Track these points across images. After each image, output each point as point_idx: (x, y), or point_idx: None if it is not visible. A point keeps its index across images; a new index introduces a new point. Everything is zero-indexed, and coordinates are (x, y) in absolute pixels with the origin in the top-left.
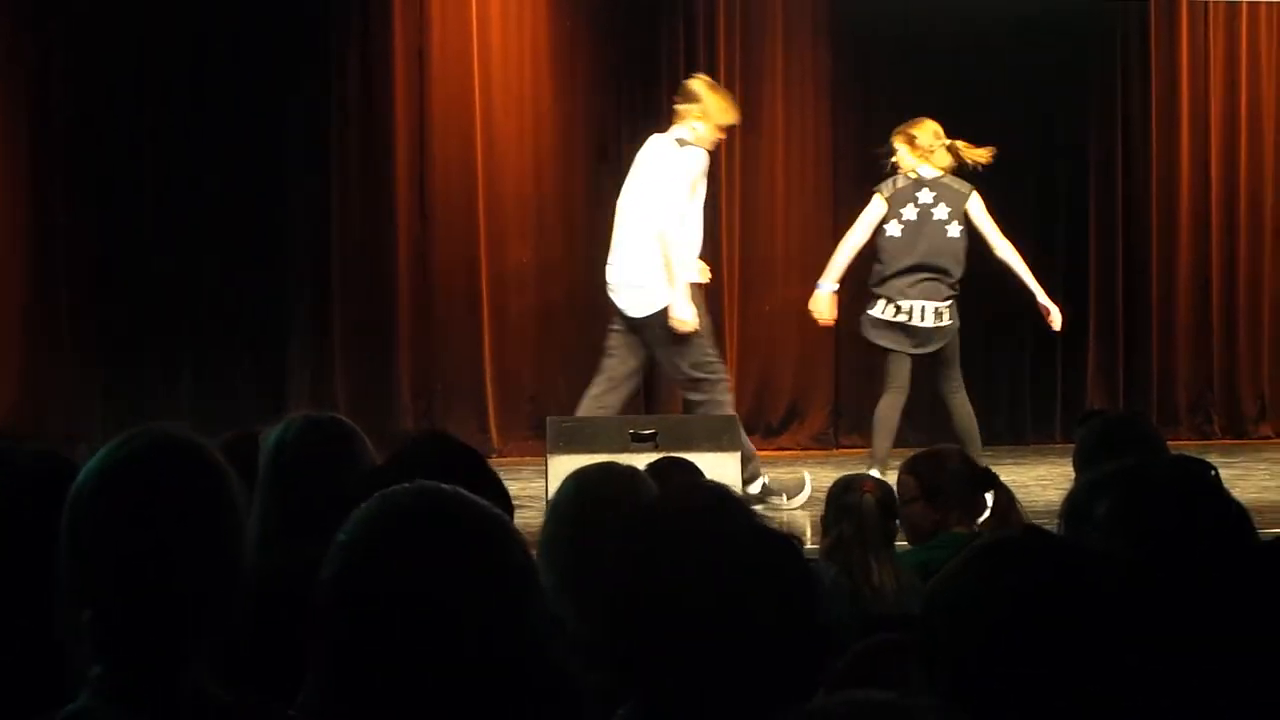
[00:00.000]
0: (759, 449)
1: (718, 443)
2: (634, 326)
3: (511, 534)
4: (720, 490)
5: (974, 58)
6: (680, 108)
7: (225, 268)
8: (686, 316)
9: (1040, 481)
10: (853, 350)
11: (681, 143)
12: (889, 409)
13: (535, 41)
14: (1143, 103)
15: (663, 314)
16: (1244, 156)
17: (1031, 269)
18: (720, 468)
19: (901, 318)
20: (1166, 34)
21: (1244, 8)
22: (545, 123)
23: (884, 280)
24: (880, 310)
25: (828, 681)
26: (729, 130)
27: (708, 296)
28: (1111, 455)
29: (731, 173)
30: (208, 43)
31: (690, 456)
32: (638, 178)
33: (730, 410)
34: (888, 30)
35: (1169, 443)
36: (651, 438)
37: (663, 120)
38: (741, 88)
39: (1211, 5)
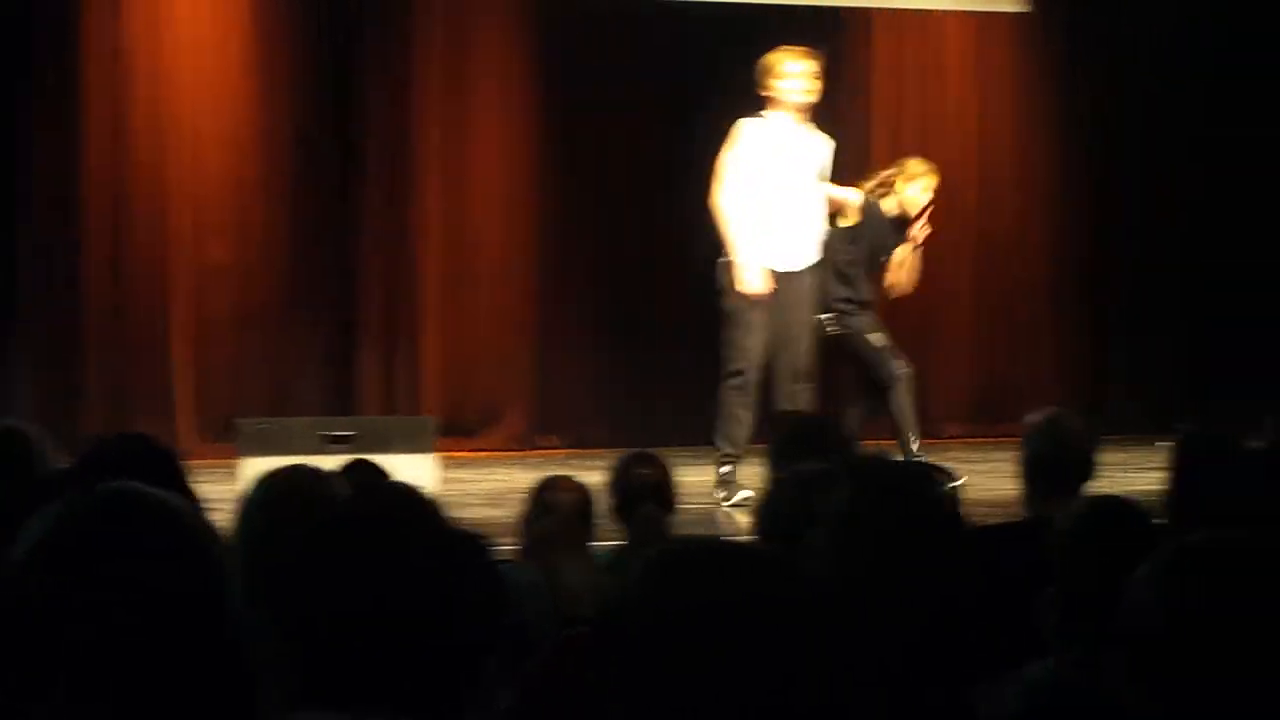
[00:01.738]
0: (458, 450)
1: (413, 444)
2: None
3: (203, 528)
4: (406, 492)
5: (681, 54)
6: None
7: None
8: (746, 280)
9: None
10: (552, 352)
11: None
12: None
13: (235, 35)
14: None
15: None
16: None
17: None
18: (415, 469)
19: None
20: (863, 42)
21: (933, 17)
22: (246, 121)
23: None
24: None
25: (521, 678)
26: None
27: (404, 294)
28: (803, 455)
29: (435, 171)
30: None
31: (386, 458)
32: None
33: (740, 422)
34: (592, 25)
35: (863, 442)
36: (346, 439)
37: (367, 111)
38: (445, 82)
39: (902, 14)
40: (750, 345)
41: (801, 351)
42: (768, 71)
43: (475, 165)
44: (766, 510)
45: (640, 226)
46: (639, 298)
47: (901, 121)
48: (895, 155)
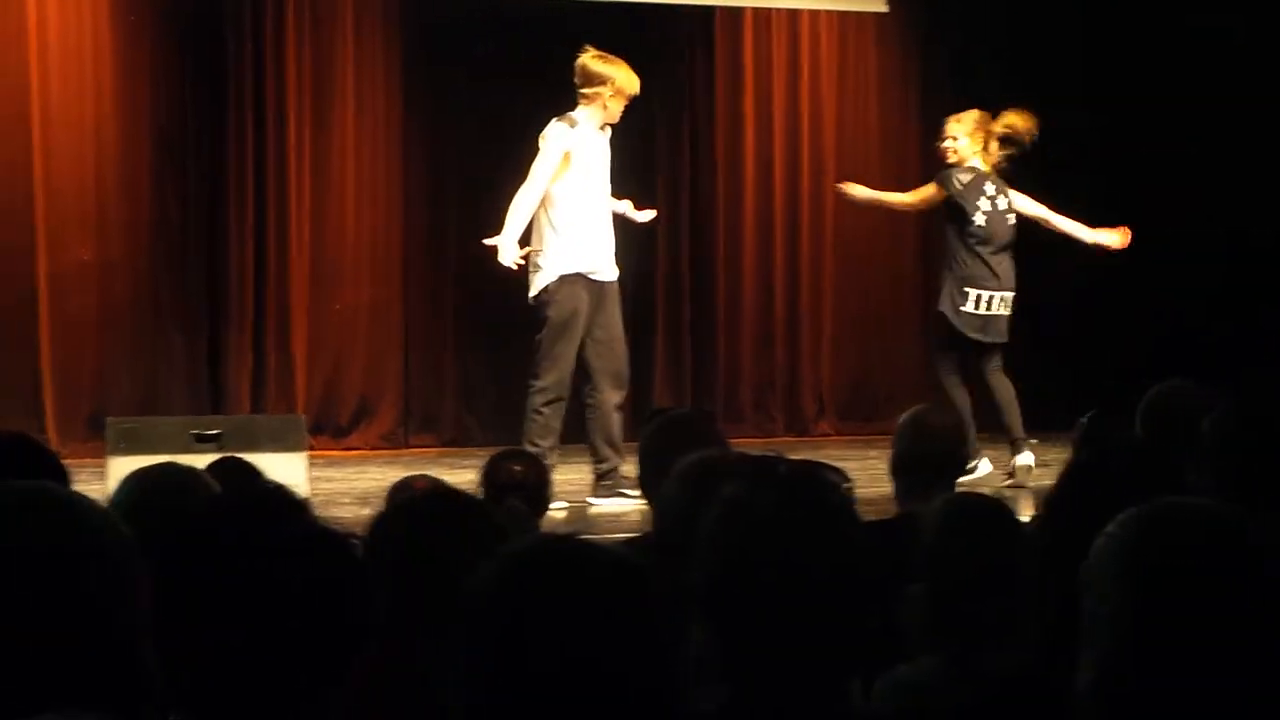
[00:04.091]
0: (329, 449)
1: (283, 443)
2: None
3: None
4: (275, 491)
5: (547, 57)
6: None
7: None
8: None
9: None
10: (422, 350)
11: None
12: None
13: (97, 34)
14: (708, 107)
15: (541, 294)
16: (806, 160)
17: None
18: (285, 468)
19: (982, 308)
20: (730, 40)
21: (805, 15)
22: (108, 117)
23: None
24: (972, 304)
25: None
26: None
27: (271, 293)
28: (676, 452)
29: (301, 171)
30: None
31: (256, 457)
32: None
33: (546, 427)
34: (458, 28)
35: (733, 440)
36: (215, 438)
37: (230, 108)
38: (311, 85)
39: (774, 13)
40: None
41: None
42: (603, 80)
43: (341, 161)
44: (662, 506)
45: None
46: (509, 294)
47: (773, 118)
48: (766, 151)
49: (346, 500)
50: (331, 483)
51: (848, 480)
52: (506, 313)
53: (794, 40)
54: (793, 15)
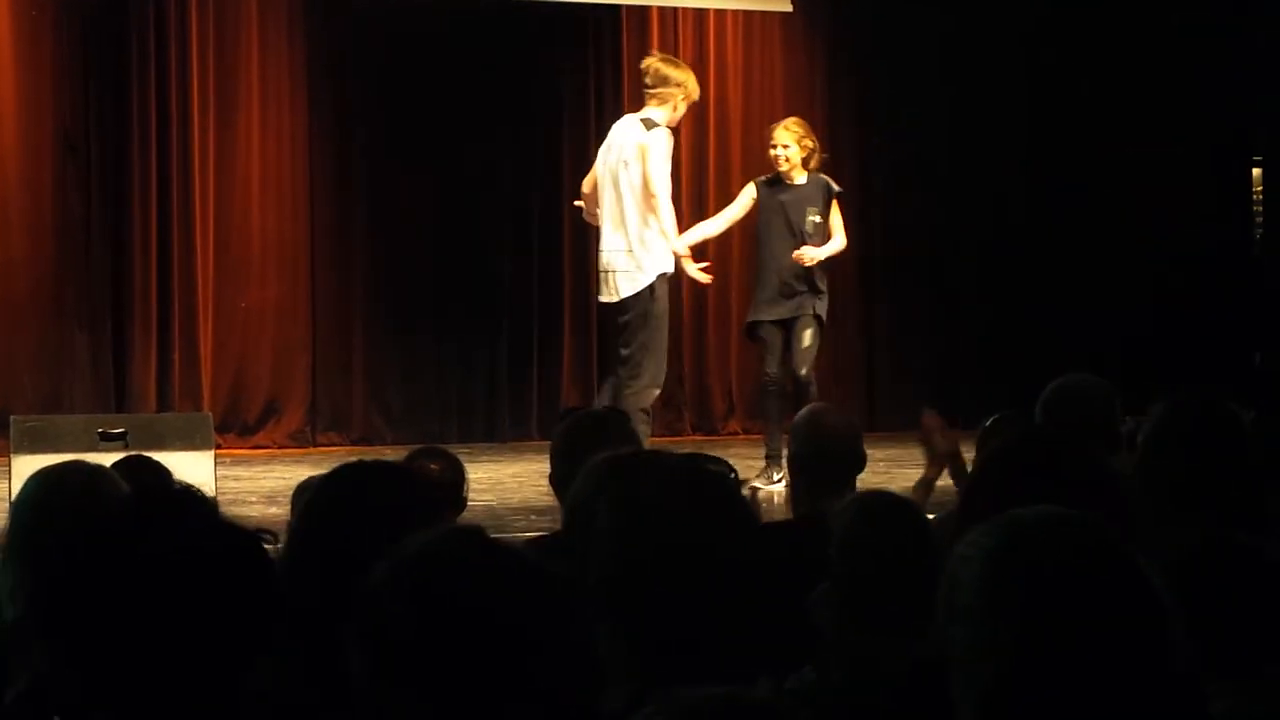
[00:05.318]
0: (236, 448)
1: (190, 441)
2: (619, 307)
3: None
4: (180, 490)
5: (454, 55)
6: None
7: None
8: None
9: (516, 479)
10: (330, 348)
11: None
12: None
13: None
14: (615, 107)
15: (645, 291)
16: (713, 160)
17: (500, 272)
18: (193, 466)
19: None
20: (637, 40)
21: (711, 15)
22: (9, 114)
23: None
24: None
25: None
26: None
27: (177, 291)
28: (588, 451)
29: (205, 169)
30: None
31: (162, 455)
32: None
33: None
34: (363, 26)
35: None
36: (121, 436)
37: (132, 109)
38: (215, 82)
39: (680, 11)
40: None
41: None
42: (678, 84)
43: (246, 159)
44: (569, 505)
45: (416, 221)
46: (417, 293)
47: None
48: (674, 149)
49: (254, 499)
50: (239, 481)
51: (732, 470)
52: (414, 311)
53: (700, 40)
54: (699, 15)
